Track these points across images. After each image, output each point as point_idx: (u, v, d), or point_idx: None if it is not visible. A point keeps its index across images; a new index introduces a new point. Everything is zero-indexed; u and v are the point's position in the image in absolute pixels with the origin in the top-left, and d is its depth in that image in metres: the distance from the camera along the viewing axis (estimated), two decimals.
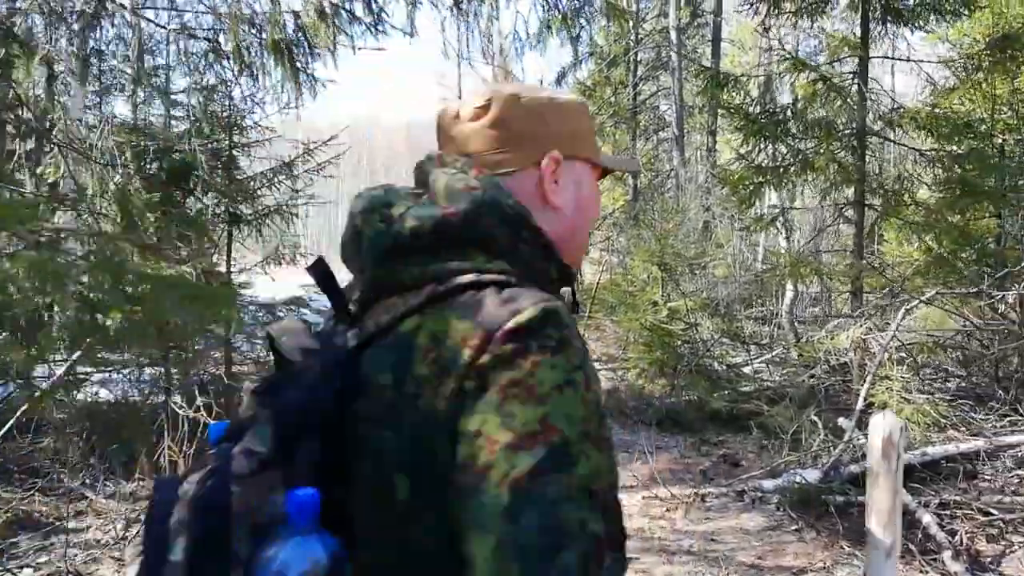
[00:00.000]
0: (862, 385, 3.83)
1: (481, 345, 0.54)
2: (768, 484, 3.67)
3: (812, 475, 3.54)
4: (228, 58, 4.23)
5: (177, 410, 4.74)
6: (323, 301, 0.67)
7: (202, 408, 5.45)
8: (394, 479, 0.55)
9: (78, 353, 3.43)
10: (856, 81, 4.70)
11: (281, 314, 6.08)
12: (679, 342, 5.89)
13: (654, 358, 5.87)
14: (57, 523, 3.18)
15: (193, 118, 4.82)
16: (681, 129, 15.02)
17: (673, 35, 15.11)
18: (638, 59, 16.56)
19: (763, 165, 4.36)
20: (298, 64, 4.05)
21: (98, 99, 7.31)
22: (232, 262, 5.54)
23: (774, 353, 5.78)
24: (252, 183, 5.21)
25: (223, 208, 5.19)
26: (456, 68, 21.42)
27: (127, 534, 3.04)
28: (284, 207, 5.63)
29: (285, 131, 5.66)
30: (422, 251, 0.61)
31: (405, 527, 0.55)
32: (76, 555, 2.80)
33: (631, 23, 14.59)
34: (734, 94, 4.70)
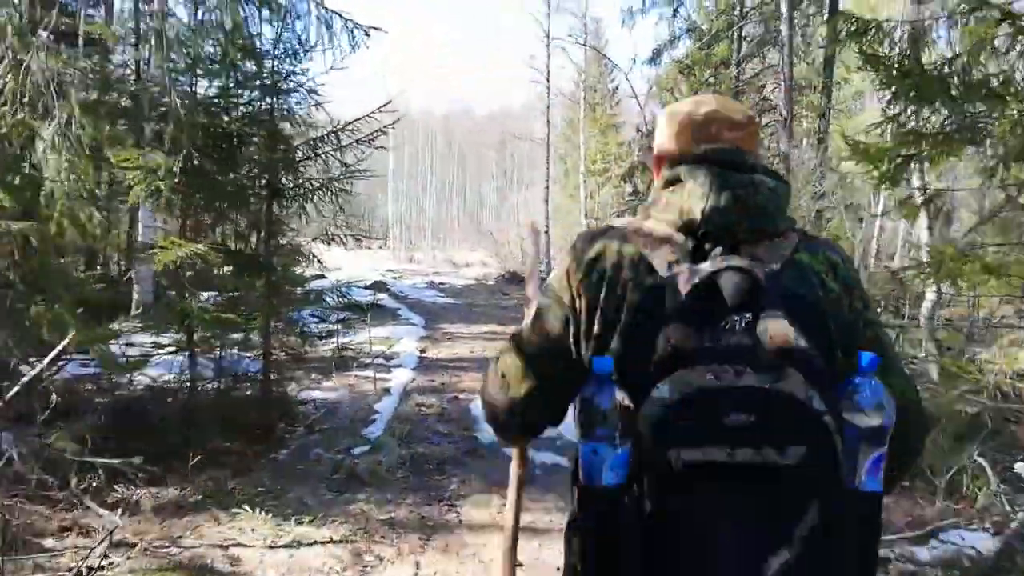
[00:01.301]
0: None
1: (850, 270, 1.05)
2: (922, 553, 2.83)
3: (984, 541, 2.72)
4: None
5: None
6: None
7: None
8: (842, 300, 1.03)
9: None
10: None
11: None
12: None
13: None
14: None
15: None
16: (790, 110, 13.78)
17: (784, 6, 13.85)
18: (743, 35, 15.41)
19: (922, 131, 3.50)
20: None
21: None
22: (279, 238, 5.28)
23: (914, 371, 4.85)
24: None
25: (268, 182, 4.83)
26: (545, 49, 20.82)
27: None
28: (336, 181, 5.23)
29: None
30: (782, 210, 1.03)
31: (832, 352, 0.93)
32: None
33: None
34: (876, 46, 3.84)
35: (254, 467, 4.38)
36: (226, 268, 5.27)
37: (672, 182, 1.04)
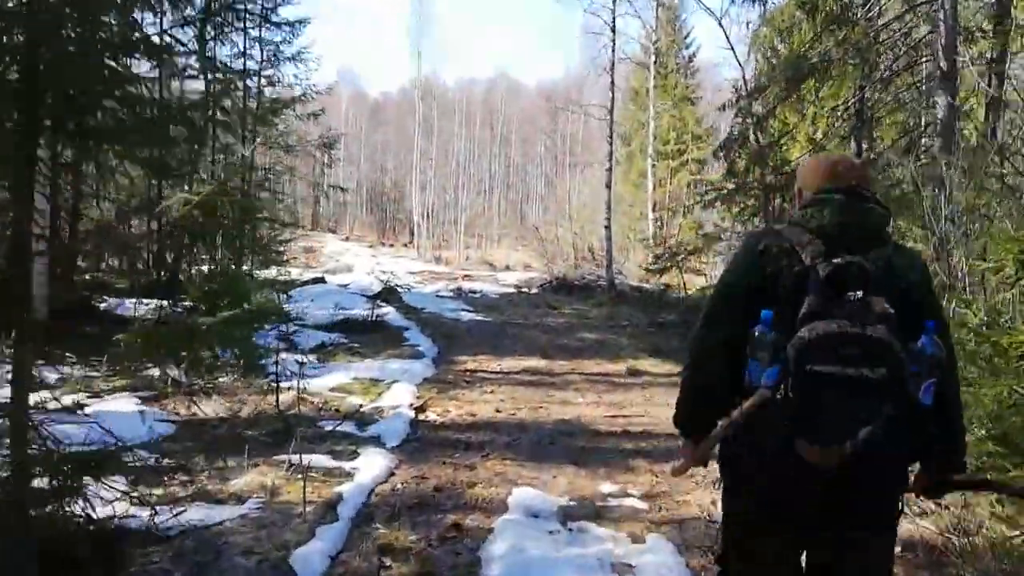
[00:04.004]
0: None
1: (923, 270, 1.86)
2: None
3: None
4: None
5: None
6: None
7: None
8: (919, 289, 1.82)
9: None
10: None
11: None
12: None
13: None
14: None
15: None
16: (952, 62, 10.58)
17: None
18: None
19: None
20: None
21: None
22: None
23: None
24: None
25: None
26: (611, 16, 17.69)
27: None
28: None
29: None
30: (883, 227, 1.82)
31: (910, 318, 1.67)
32: None
33: None
34: None
35: None
36: None
37: (812, 204, 1.82)
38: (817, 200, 1.79)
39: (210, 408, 6.16)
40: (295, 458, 4.57)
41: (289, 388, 6.77)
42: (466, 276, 20.87)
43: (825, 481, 1.65)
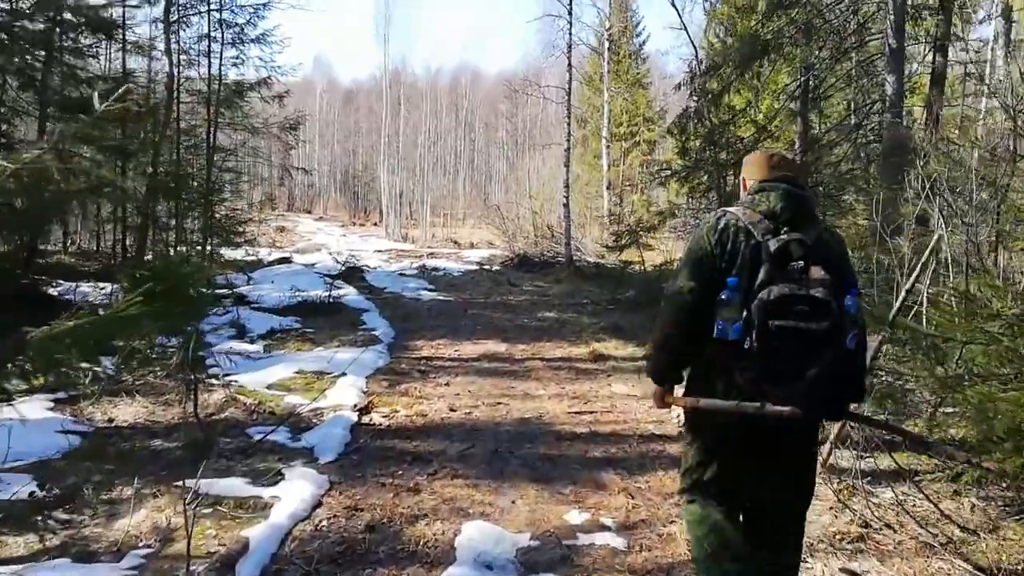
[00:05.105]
0: None
1: (843, 243, 2.09)
2: None
3: None
4: None
5: None
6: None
7: None
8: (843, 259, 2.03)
9: None
10: None
11: None
12: None
13: None
14: None
15: None
16: (900, 39, 9.64)
17: None
18: None
19: None
20: None
21: None
22: None
23: None
24: None
25: None
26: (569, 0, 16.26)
27: None
28: None
29: None
30: (815, 210, 2.04)
31: (840, 282, 1.90)
32: None
33: None
34: None
35: None
36: None
37: (760, 191, 2.02)
38: (763, 188, 2.03)
39: (131, 412, 4.95)
40: (206, 483, 3.43)
41: (226, 385, 5.59)
42: (431, 254, 19.60)
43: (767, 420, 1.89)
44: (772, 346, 1.78)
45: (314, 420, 4.67)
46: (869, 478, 3.37)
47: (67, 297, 8.46)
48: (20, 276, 8.76)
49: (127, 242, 12.07)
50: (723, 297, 1.86)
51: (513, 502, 3.34)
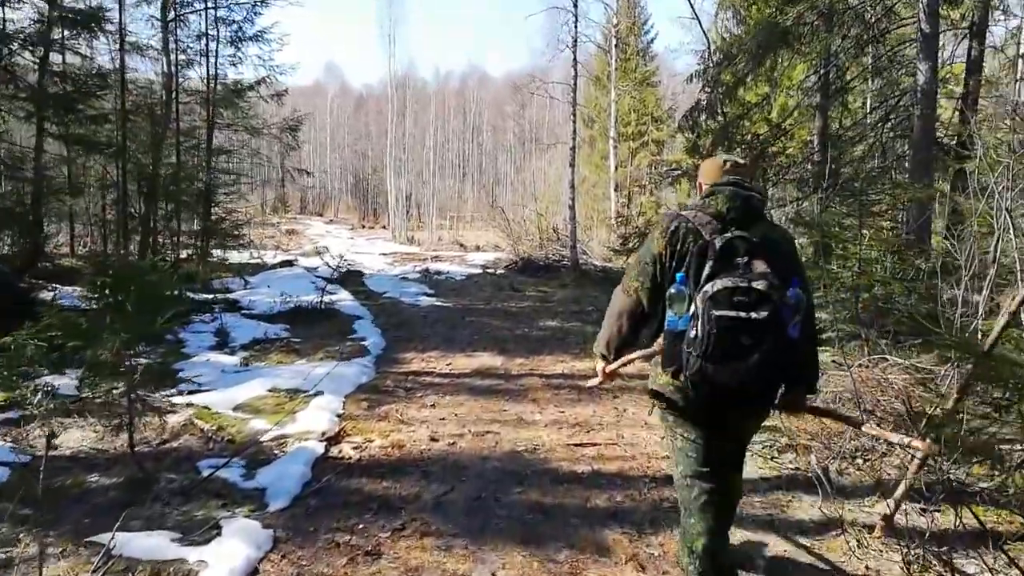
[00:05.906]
0: None
1: (791, 240, 2.19)
2: None
3: None
4: None
5: None
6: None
7: None
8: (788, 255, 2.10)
9: None
10: None
11: None
12: None
13: None
14: None
15: None
16: (935, 24, 8.80)
17: None
18: None
19: None
20: None
21: None
22: None
23: None
24: None
25: None
26: None
27: None
28: None
29: None
30: (761, 210, 2.11)
31: (783, 275, 1.97)
32: None
33: None
34: None
35: None
36: None
37: (710, 194, 2.14)
38: (714, 191, 2.15)
39: (77, 437, 4.33)
40: (124, 538, 2.78)
41: (189, 404, 4.95)
42: (435, 257, 18.93)
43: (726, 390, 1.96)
44: (716, 334, 1.87)
45: (275, 451, 4.01)
46: (937, 541, 2.65)
47: (62, 300, 7.88)
48: (18, 280, 8.20)
49: (129, 244, 11.52)
50: (673, 291, 2.02)
51: (493, 574, 2.65)
